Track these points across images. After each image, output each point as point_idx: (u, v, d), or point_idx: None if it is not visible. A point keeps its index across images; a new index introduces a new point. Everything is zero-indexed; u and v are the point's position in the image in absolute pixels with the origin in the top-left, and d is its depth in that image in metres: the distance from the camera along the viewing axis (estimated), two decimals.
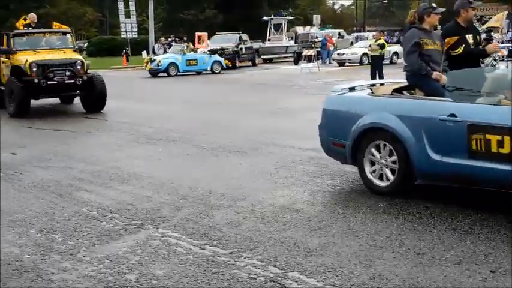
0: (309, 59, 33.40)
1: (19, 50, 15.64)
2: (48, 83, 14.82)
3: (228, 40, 36.73)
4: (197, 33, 39.79)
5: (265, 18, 45.96)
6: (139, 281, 4.70)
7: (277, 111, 14.94)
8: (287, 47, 42.69)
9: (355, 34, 58.26)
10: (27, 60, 14.93)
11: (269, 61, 41.55)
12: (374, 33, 25.63)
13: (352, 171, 8.16)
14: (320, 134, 7.71)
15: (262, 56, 41.06)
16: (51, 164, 9.31)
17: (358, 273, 4.72)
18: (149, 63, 31.15)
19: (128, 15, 54.79)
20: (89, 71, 15.91)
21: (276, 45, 42.59)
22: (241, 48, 36.78)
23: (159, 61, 30.64)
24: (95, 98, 15.60)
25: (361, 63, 34.70)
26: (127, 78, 30.16)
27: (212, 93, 20.96)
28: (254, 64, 38.50)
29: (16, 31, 16.52)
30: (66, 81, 15.10)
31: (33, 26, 17.33)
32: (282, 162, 8.91)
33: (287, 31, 46.98)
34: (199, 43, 37.78)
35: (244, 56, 37.17)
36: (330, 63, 37.36)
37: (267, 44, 43.18)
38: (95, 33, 73.12)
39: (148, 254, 5.24)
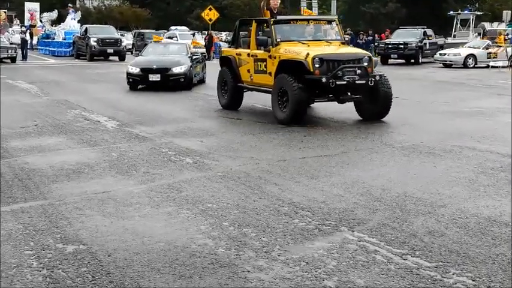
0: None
1: (282, 41, 12.91)
2: (337, 83, 11.82)
3: (411, 35, 35.61)
4: None
5: (451, 13, 44.13)
6: None
7: (469, 112, 14.11)
8: None
9: None
10: (308, 54, 11.98)
11: None
12: None
13: None
14: None
15: None
16: (239, 154, 9.30)
17: None
18: None
19: (309, 7, 55.09)
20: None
21: (461, 41, 40.68)
22: (425, 44, 35.53)
23: None
24: (378, 103, 12.55)
25: (465, 65, 31.39)
26: None
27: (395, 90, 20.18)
28: None
29: (278, 17, 13.50)
30: (356, 81, 12.00)
31: (276, 11, 14.03)
32: (481, 168, 8.25)
33: (474, 27, 44.81)
34: None
35: (428, 51, 35.85)
36: None
37: (452, 40, 41.40)
38: None
39: (345, 260, 4.93)
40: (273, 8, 14.11)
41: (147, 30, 49.49)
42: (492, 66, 30.05)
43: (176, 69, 19.12)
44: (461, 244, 5.27)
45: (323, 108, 14.03)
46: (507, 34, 41.40)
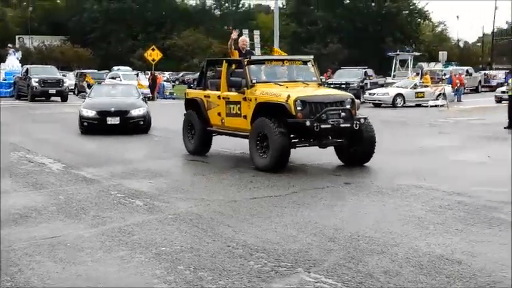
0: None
1: (257, 83, 12.12)
2: (322, 126, 11.17)
3: (353, 75, 36.47)
4: None
5: (390, 53, 45.33)
6: None
7: (413, 150, 14.35)
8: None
9: (483, 72, 56.44)
10: (289, 96, 11.27)
11: None
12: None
13: (509, 220, 7.58)
14: None
15: None
16: (189, 195, 9.25)
17: None
18: None
19: (252, 47, 55.79)
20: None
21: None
22: (366, 84, 36.35)
23: None
24: (362, 147, 11.89)
25: (394, 105, 31.50)
26: None
27: None
28: None
29: (252, 57, 12.96)
30: (341, 125, 11.36)
31: (244, 52, 13.47)
32: (429, 206, 8.40)
33: (412, 67, 46.10)
34: None
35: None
36: (458, 101, 36.02)
37: (392, 80, 42.45)
38: None
39: None
40: (242, 48, 13.55)
41: (89, 70, 49.14)
42: (431, 106, 30.83)
43: (135, 112, 18.05)
44: (417, 283, 5.33)
45: None
46: (444, 74, 42.61)
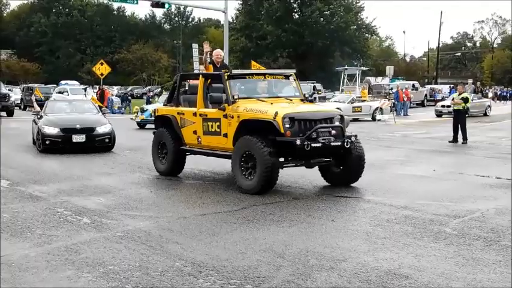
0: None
1: (239, 98, 11.32)
2: (312, 145, 10.43)
3: (302, 89, 36.75)
4: None
5: (339, 68, 45.92)
6: None
7: None
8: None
9: (429, 86, 57.60)
10: (277, 113, 10.47)
11: None
12: (459, 86, 24.47)
13: (454, 233, 7.72)
14: None
15: None
16: (138, 212, 9.16)
17: None
18: (139, 113, 27.16)
19: (201, 62, 55.81)
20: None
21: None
22: (315, 98, 36.63)
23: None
24: (350, 166, 11.33)
25: None
26: None
27: None
28: None
29: (234, 71, 12.23)
30: (332, 143, 10.66)
31: (219, 66, 12.86)
32: (377, 221, 8.50)
33: (360, 81, 46.78)
34: None
35: None
36: (405, 115, 36.67)
37: (340, 94, 42.99)
38: (168, 78, 74.59)
39: None
40: (216, 62, 12.90)
41: (36, 85, 48.43)
42: (378, 120, 31.31)
43: (101, 129, 17.17)
44: None
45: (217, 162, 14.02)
46: (391, 88, 43.33)
